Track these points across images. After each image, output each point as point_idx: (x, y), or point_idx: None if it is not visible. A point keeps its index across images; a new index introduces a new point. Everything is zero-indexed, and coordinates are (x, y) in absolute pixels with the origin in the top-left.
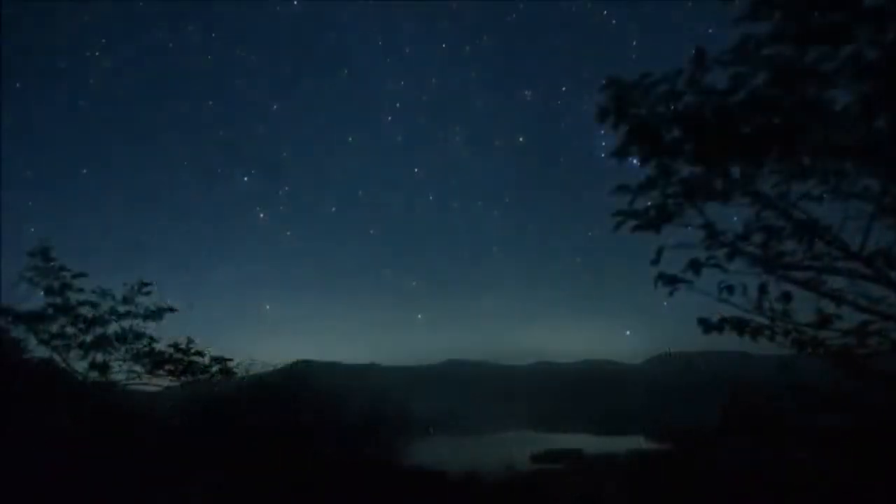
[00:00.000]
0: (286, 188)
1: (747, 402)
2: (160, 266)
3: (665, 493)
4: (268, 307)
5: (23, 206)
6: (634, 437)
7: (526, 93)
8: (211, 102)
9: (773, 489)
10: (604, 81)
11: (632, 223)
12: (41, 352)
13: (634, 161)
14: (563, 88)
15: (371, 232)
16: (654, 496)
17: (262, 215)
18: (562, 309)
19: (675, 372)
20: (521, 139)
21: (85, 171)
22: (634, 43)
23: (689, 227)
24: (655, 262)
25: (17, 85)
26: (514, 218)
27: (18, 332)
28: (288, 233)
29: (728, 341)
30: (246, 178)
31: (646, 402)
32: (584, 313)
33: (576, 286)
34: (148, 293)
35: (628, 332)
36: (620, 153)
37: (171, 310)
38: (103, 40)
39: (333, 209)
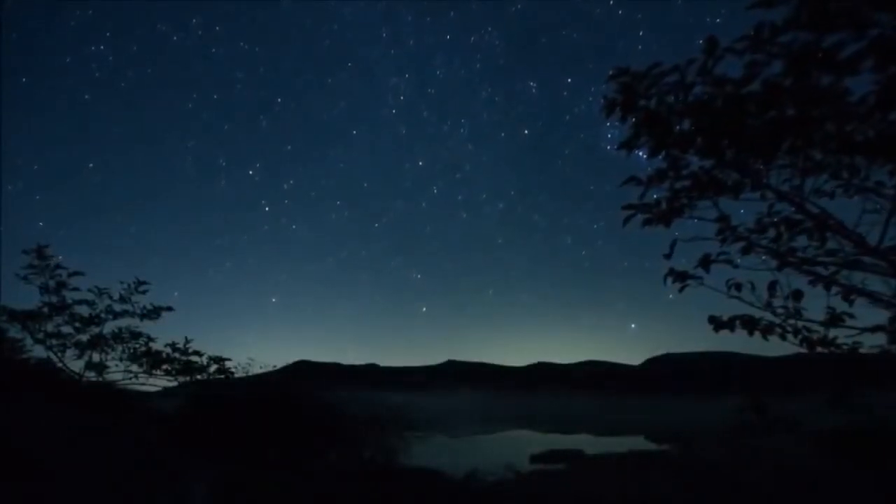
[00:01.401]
0: (291, 182)
1: (762, 402)
2: (165, 259)
3: (665, 493)
4: (274, 300)
5: (31, 200)
6: (635, 438)
7: (531, 84)
8: (215, 96)
9: (772, 489)
10: (610, 72)
11: (641, 217)
12: (40, 351)
13: (641, 154)
14: (569, 80)
15: (375, 225)
16: (655, 497)
17: (267, 209)
18: (563, 307)
19: (673, 373)
20: (525, 131)
21: (91, 164)
22: (641, 33)
23: (697, 220)
24: (669, 255)
25: (23, 80)
26: (519, 210)
27: (17, 331)
28: (293, 227)
29: (725, 343)
30: (250, 172)
31: (645, 402)
32: (585, 311)
33: (579, 281)
34: (144, 292)
35: (633, 325)
36: (629, 145)
37: (168, 309)
38: (108, 34)
39: (338, 202)
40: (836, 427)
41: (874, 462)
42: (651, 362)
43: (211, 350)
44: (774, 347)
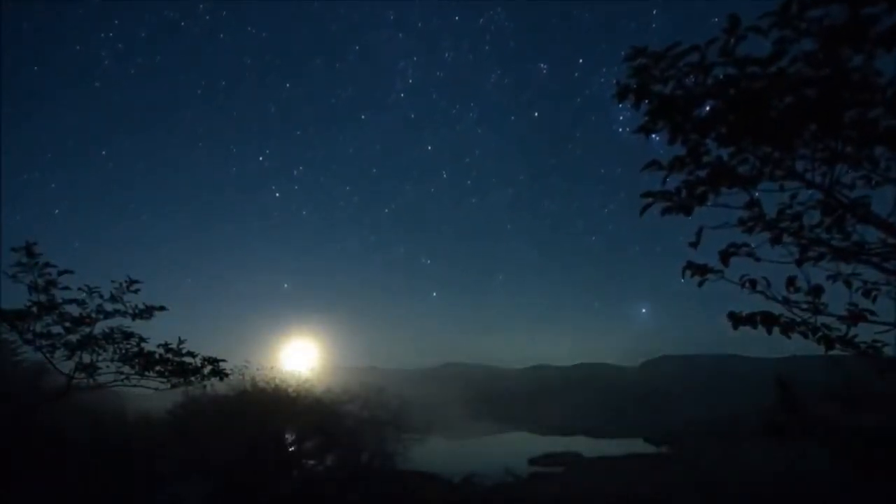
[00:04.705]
0: (300, 167)
1: (796, 402)
2: (175, 246)
3: (663, 495)
4: (286, 286)
5: (47, 189)
6: (633, 440)
7: (541, 66)
8: (224, 82)
9: (770, 490)
10: (623, 54)
11: (661, 205)
12: (30, 353)
13: (656, 137)
14: (580, 61)
15: (385, 211)
16: (653, 499)
17: (277, 195)
18: (564, 304)
19: (671, 375)
20: (536, 114)
21: (104, 152)
22: (654, 12)
23: (713, 207)
24: (695, 244)
25: (35, 69)
26: (529, 195)
27: (6, 331)
28: (303, 212)
29: (722, 344)
30: (260, 158)
31: (643, 404)
32: (589, 305)
33: (587, 269)
34: (136, 291)
35: (644, 311)
36: (646, 130)
37: (161, 308)
38: (116, 21)
39: (347, 188)
40: (846, 427)
41: (879, 464)
42: (647, 365)
43: (215, 345)
44: (771, 349)
